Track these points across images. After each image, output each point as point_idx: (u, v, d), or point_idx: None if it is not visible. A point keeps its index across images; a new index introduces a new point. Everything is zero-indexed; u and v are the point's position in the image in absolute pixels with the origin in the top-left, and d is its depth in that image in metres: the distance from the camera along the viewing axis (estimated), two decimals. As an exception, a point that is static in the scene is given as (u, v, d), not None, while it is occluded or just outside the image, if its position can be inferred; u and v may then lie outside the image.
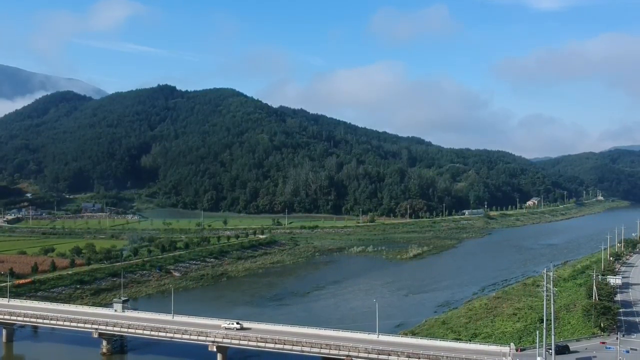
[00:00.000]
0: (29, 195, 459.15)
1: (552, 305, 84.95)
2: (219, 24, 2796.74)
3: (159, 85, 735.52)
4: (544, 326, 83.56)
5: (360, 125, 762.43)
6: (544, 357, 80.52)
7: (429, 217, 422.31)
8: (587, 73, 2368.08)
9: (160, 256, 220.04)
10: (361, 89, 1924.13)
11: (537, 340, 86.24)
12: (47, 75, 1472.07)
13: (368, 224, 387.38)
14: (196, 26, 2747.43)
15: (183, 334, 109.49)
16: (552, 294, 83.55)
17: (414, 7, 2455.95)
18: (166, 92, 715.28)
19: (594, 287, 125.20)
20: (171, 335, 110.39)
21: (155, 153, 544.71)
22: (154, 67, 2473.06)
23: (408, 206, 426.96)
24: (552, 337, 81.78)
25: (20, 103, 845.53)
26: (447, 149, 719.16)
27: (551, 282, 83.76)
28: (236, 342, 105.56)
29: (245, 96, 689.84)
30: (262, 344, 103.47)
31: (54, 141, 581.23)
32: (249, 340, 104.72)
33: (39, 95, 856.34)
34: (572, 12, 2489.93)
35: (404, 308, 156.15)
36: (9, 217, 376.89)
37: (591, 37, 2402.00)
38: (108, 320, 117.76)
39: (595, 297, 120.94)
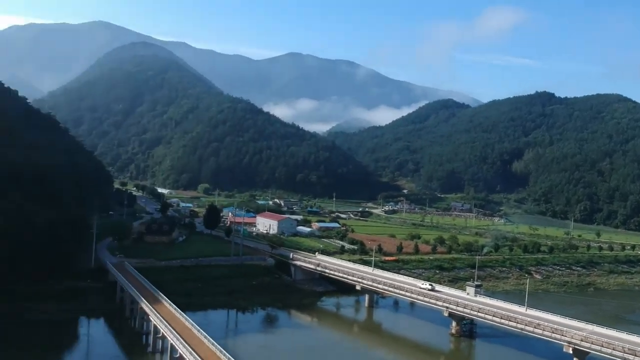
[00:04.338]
0: (405, 191, 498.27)
1: None
2: (607, 28, 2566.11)
3: (536, 92, 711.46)
4: None
5: None
6: None
7: None
8: None
9: (521, 256, 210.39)
10: None
11: None
12: (428, 87, 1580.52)
13: None
14: (581, 32, 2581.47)
15: (535, 327, 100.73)
16: None
17: None
18: (543, 98, 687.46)
19: None
20: (522, 327, 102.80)
21: (527, 159, 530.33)
22: (529, 76, 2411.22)
23: None
24: None
25: (405, 111, 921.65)
26: None
27: None
28: (597, 347, 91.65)
29: (634, 102, 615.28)
30: None
31: (432, 144, 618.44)
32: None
33: (421, 104, 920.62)
34: None
35: None
36: (387, 208, 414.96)
37: None
38: (459, 301, 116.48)
39: None
